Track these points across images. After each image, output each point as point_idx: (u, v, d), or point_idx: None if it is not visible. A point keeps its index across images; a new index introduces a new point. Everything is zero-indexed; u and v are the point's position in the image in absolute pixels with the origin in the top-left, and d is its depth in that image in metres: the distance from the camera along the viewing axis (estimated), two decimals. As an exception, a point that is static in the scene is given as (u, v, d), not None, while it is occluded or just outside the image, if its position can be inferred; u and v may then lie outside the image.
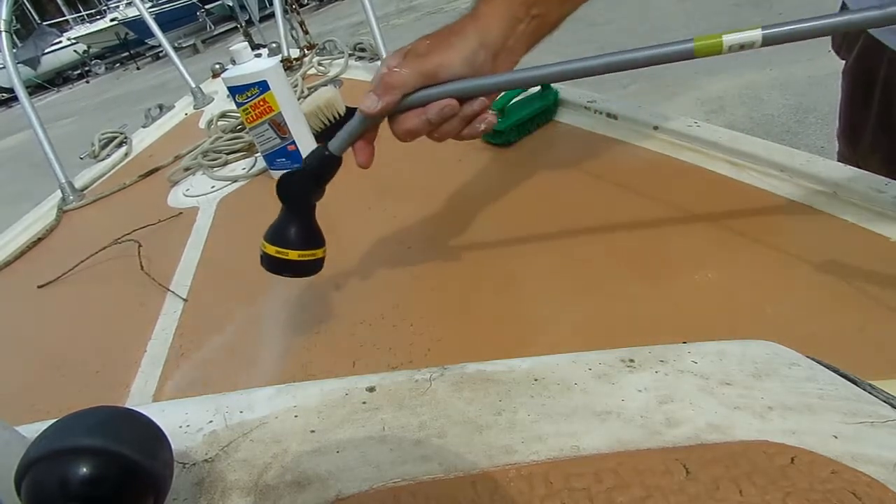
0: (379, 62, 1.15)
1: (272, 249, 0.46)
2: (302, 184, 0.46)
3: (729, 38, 0.35)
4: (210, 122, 1.19)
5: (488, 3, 0.43)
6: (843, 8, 0.68)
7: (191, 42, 12.02)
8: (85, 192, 1.14)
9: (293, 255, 0.46)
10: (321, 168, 0.45)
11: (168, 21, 11.10)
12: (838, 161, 0.78)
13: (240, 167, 0.98)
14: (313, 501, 0.24)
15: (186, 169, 1.03)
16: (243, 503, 0.24)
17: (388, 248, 0.64)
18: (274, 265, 0.46)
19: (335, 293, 0.59)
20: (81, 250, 0.82)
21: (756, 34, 0.35)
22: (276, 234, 0.46)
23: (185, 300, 0.66)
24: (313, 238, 0.47)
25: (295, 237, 0.46)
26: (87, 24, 16.05)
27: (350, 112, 0.98)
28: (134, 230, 0.84)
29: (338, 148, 0.45)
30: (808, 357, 0.30)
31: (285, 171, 0.46)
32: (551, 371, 0.30)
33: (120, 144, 1.31)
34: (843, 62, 0.73)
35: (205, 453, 0.27)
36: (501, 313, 0.50)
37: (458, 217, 0.67)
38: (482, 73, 0.42)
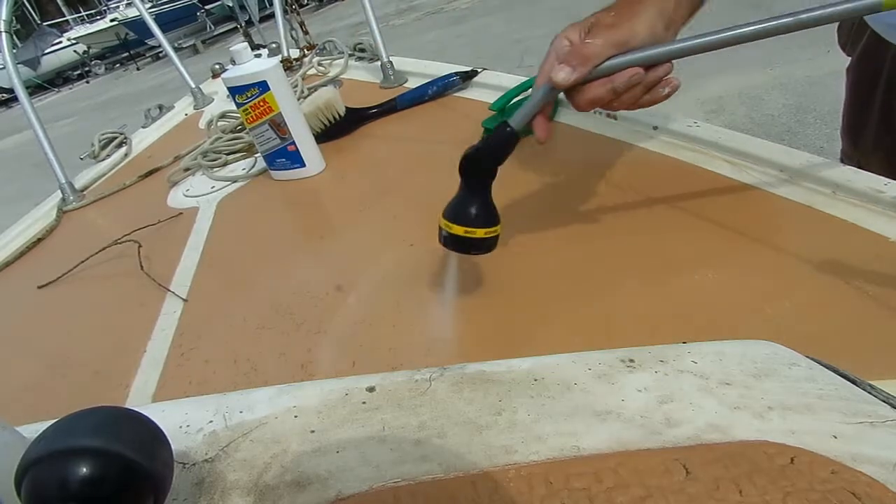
0: (378, 63, 1.15)
1: (460, 230, 0.46)
2: (486, 162, 0.46)
3: None
4: (210, 123, 1.19)
5: None
6: None
7: (191, 42, 12.02)
8: (85, 192, 1.14)
9: (480, 233, 0.46)
10: (505, 145, 0.46)
11: (168, 21, 11.10)
12: (841, 158, 0.78)
13: (240, 167, 0.98)
14: (313, 501, 0.24)
15: (186, 169, 1.03)
16: (243, 503, 0.24)
17: (389, 247, 0.64)
18: (461, 245, 0.47)
19: (335, 293, 0.59)
20: (81, 251, 0.82)
21: None
22: (460, 214, 0.46)
23: (185, 300, 0.66)
24: (495, 215, 0.47)
25: (480, 216, 0.46)
26: (87, 25, 16.06)
27: (351, 112, 0.98)
28: (134, 230, 0.84)
29: (519, 123, 0.45)
30: (808, 357, 0.30)
31: (468, 150, 0.46)
32: (551, 371, 0.30)
33: (120, 145, 1.31)
34: (848, 59, 0.73)
35: (205, 453, 0.27)
36: (501, 313, 0.50)
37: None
38: (660, 42, 0.43)
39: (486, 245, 0.47)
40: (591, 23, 0.44)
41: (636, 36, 0.42)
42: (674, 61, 0.44)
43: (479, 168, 0.46)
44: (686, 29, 0.47)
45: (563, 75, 0.42)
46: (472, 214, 0.46)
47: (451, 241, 0.47)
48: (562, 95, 0.46)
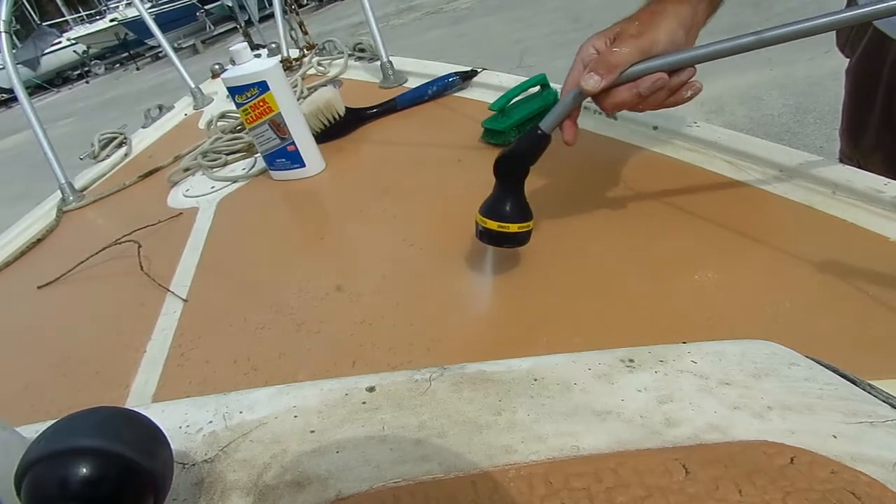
0: (378, 63, 1.15)
1: (494, 224, 0.49)
2: (518, 163, 0.49)
3: None
4: (210, 123, 1.19)
5: None
6: (850, 3, 0.68)
7: (190, 42, 12.02)
8: (85, 192, 1.14)
9: (513, 227, 0.49)
10: (535, 147, 0.49)
11: (168, 21, 11.09)
12: (839, 159, 0.78)
13: (239, 167, 0.98)
14: (313, 501, 0.24)
15: (186, 169, 1.03)
16: (243, 503, 0.24)
17: (389, 247, 0.64)
18: (496, 239, 0.50)
19: (335, 293, 0.59)
20: (81, 251, 0.82)
21: None
22: (495, 211, 0.50)
23: (184, 300, 0.66)
24: (528, 211, 0.51)
25: (513, 212, 0.49)
26: (87, 25, 16.04)
27: (350, 112, 0.98)
28: (134, 231, 0.84)
29: (549, 127, 0.48)
30: (807, 357, 0.30)
31: (503, 151, 0.49)
32: (551, 371, 0.30)
33: (120, 145, 1.31)
34: (847, 60, 0.73)
35: (204, 453, 0.27)
36: (501, 313, 0.50)
37: (457, 217, 0.67)
38: (680, 48, 0.45)
39: (519, 239, 0.50)
40: (617, 32, 0.46)
41: (658, 43, 0.44)
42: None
43: (511, 168, 0.49)
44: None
45: (592, 83, 0.44)
46: (506, 211, 0.49)
47: (486, 236, 0.51)
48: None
